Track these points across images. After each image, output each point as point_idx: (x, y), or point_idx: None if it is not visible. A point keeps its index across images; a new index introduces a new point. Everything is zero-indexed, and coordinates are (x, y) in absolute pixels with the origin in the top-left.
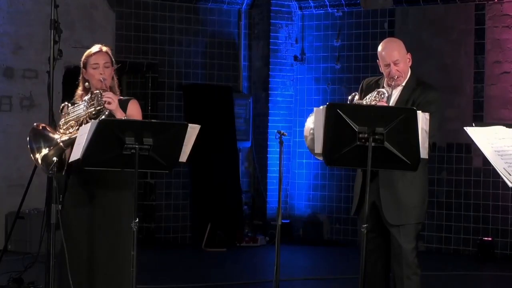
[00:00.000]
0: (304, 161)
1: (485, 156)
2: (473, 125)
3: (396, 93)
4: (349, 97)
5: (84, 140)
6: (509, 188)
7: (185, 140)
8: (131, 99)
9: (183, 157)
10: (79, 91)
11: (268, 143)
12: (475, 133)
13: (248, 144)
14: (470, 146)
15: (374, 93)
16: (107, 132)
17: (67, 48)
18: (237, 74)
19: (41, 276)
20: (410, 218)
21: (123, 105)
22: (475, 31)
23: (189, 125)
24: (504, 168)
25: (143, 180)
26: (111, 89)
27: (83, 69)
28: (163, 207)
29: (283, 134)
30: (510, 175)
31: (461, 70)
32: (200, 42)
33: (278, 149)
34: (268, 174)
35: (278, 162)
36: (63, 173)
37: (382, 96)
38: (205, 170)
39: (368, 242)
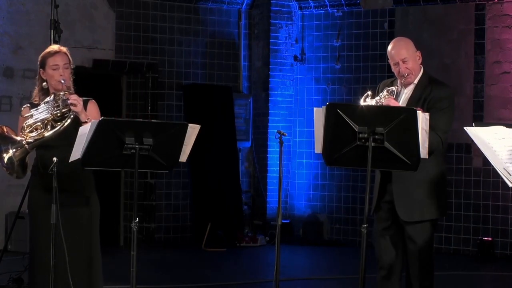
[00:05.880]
0: (304, 161)
1: (485, 156)
2: (473, 125)
3: (408, 92)
4: (363, 96)
5: (84, 140)
6: (509, 188)
7: (185, 140)
8: (89, 99)
9: (183, 157)
10: (36, 91)
11: (268, 143)
12: (475, 133)
13: (248, 144)
14: (470, 146)
15: (384, 92)
16: (107, 132)
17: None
18: (237, 74)
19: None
20: (425, 215)
21: (83, 106)
22: (475, 31)
23: (189, 125)
24: (504, 168)
25: (143, 180)
26: (68, 89)
27: (41, 69)
28: (163, 207)
29: (283, 134)
30: (510, 175)
31: (461, 70)
32: (200, 42)
33: (278, 149)
34: (268, 174)
35: (278, 162)
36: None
37: (391, 93)
38: (205, 170)
39: (383, 239)
